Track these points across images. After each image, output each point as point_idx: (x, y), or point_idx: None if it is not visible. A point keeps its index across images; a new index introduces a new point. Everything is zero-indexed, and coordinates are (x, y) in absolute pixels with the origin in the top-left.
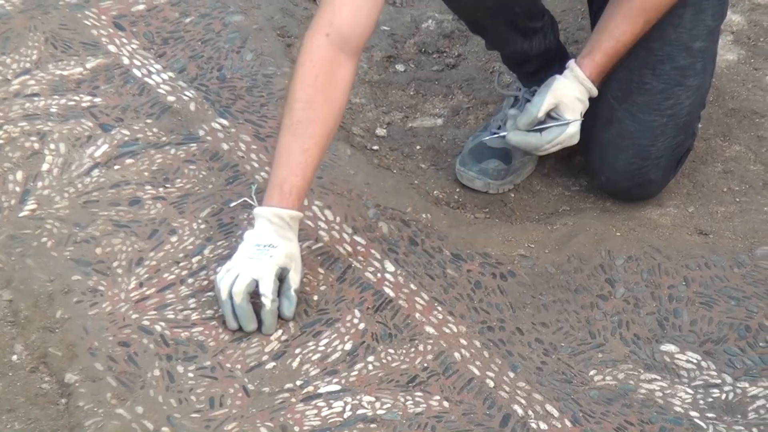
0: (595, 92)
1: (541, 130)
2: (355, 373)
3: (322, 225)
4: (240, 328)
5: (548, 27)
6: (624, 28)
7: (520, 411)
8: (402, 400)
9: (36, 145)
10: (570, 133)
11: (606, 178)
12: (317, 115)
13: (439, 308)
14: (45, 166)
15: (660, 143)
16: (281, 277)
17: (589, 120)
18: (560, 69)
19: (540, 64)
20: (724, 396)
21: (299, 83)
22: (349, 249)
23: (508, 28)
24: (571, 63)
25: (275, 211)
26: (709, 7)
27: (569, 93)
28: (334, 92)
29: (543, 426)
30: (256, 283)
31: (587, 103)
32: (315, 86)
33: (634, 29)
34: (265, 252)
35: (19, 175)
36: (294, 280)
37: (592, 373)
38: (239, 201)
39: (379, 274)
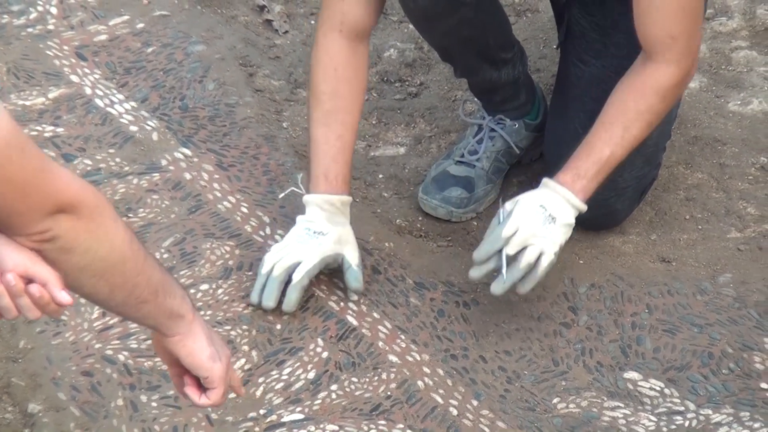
0: (584, 208)
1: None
2: (319, 401)
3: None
4: (258, 305)
5: (518, 58)
6: (619, 133)
7: None
8: (365, 428)
9: None
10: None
11: None
12: (344, 103)
13: (403, 336)
14: None
15: (627, 174)
16: (338, 262)
17: (557, 146)
18: (528, 97)
19: (507, 94)
20: (687, 423)
21: (321, 76)
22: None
23: (479, 58)
24: (554, 185)
25: (325, 197)
26: None
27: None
28: (355, 79)
29: None
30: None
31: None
32: (336, 77)
33: (631, 133)
34: (314, 238)
35: None
36: (352, 258)
37: (555, 400)
38: (287, 191)
39: (342, 303)
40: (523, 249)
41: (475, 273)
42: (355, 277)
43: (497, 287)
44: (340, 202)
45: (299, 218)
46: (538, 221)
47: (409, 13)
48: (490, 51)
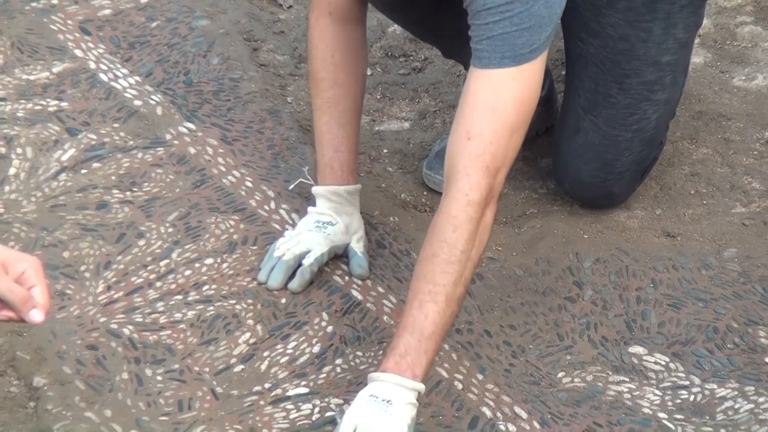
0: (422, 387)
1: None
2: (324, 375)
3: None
4: (264, 284)
5: None
6: (426, 292)
7: (488, 413)
8: None
9: (2, 150)
10: None
11: (570, 187)
12: (344, 90)
13: None
14: (12, 171)
15: (625, 158)
16: (345, 250)
17: (557, 126)
18: None
19: None
20: (692, 397)
21: (319, 64)
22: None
23: (457, 41)
24: (377, 375)
25: (332, 188)
26: (680, 20)
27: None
28: (353, 64)
29: (512, 428)
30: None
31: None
32: (334, 63)
33: (443, 289)
34: (324, 229)
35: None
36: (358, 247)
37: (560, 375)
38: (295, 182)
39: (346, 277)
40: None
41: None
42: (359, 263)
43: None
44: (347, 192)
45: (310, 209)
46: (374, 410)
47: (374, 3)
48: (453, 34)
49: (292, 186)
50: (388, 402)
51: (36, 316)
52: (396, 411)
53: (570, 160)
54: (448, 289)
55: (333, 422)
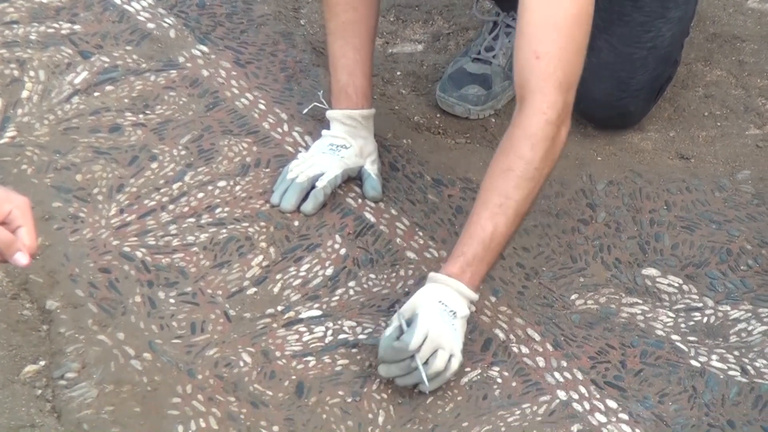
0: (476, 297)
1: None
2: (336, 298)
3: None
4: (277, 206)
5: None
6: (497, 203)
7: (501, 335)
8: (383, 324)
9: (15, 73)
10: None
11: (584, 107)
12: (360, 14)
13: (420, 233)
14: (25, 94)
15: (639, 76)
16: (358, 173)
17: None
18: None
19: None
20: (705, 319)
21: None
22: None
23: None
24: (445, 278)
25: (346, 112)
26: None
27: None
28: None
29: (524, 350)
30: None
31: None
32: None
33: (510, 204)
34: (337, 152)
35: None
36: (371, 169)
37: (573, 297)
38: (310, 106)
39: (360, 200)
40: (435, 353)
41: (383, 371)
42: (373, 186)
43: (402, 382)
44: (361, 116)
45: (324, 132)
46: (445, 321)
47: None
48: None
49: (306, 110)
50: (453, 313)
51: (20, 259)
52: (458, 325)
53: (583, 80)
54: (519, 204)
55: (345, 344)
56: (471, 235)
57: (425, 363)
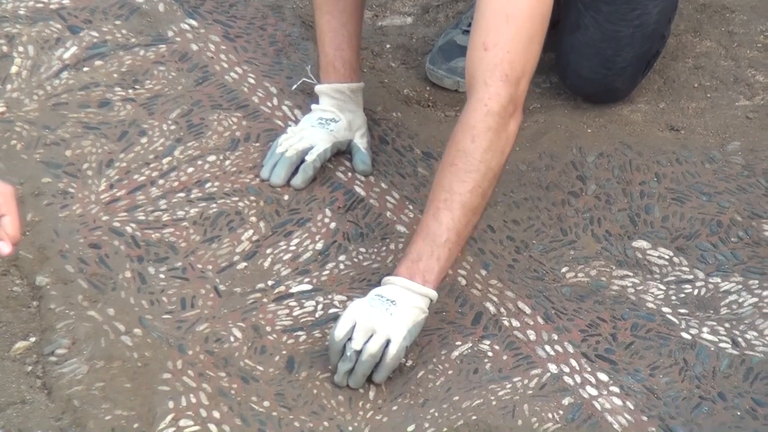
0: (434, 294)
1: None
2: (327, 272)
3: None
4: (267, 180)
5: None
6: (441, 197)
7: (492, 309)
8: None
9: (4, 48)
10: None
11: (571, 83)
12: None
13: (411, 207)
14: (14, 69)
15: (625, 53)
16: (348, 147)
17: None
18: None
19: None
20: (696, 291)
21: None
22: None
23: None
24: (388, 279)
25: (334, 86)
26: None
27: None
28: None
29: (515, 323)
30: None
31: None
32: None
33: (456, 194)
34: (327, 125)
35: None
36: (361, 142)
37: (564, 270)
38: (299, 82)
39: (349, 174)
40: (369, 338)
41: (338, 380)
42: (362, 159)
43: (351, 381)
44: (350, 89)
45: (313, 107)
46: (376, 307)
47: None
48: None
49: (295, 86)
50: (392, 302)
51: (2, 248)
52: (398, 312)
53: (571, 57)
54: (464, 197)
55: (336, 319)
56: (418, 233)
57: (359, 351)
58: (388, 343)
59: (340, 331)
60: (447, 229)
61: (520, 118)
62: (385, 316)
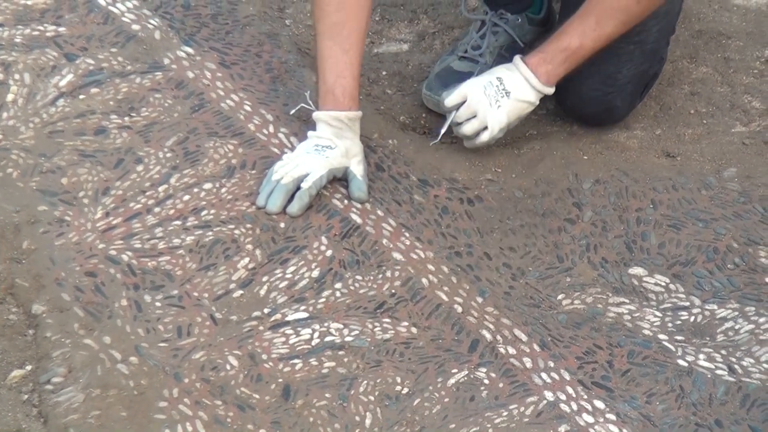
0: (549, 91)
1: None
2: (323, 300)
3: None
4: (263, 208)
5: None
6: (591, 25)
7: (488, 336)
8: (370, 326)
9: (0, 76)
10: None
11: (571, 104)
12: (349, 14)
13: (407, 234)
14: (10, 97)
15: (626, 70)
16: (344, 174)
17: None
18: None
19: None
20: (692, 318)
21: None
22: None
23: None
24: (518, 63)
25: (332, 114)
26: None
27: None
28: None
29: (511, 350)
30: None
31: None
32: None
33: (603, 29)
34: (323, 152)
35: None
36: (357, 170)
37: (560, 297)
38: (297, 107)
39: (346, 201)
40: (470, 119)
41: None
42: (358, 186)
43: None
44: (347, 118)
45: (310, 133)
46: (488, 94)
47: None
48: None
49: (293, 111)
50: (506, 92)
51: None
52: (507, 104)
53: (570, 76)
54: (609, 32)
55: (332, 347)
56: (559, 39)
57: (459, 124)
58: (484, 128)
59: (451, 100)
60: (585, 49)
61: None
62: (493, 107)
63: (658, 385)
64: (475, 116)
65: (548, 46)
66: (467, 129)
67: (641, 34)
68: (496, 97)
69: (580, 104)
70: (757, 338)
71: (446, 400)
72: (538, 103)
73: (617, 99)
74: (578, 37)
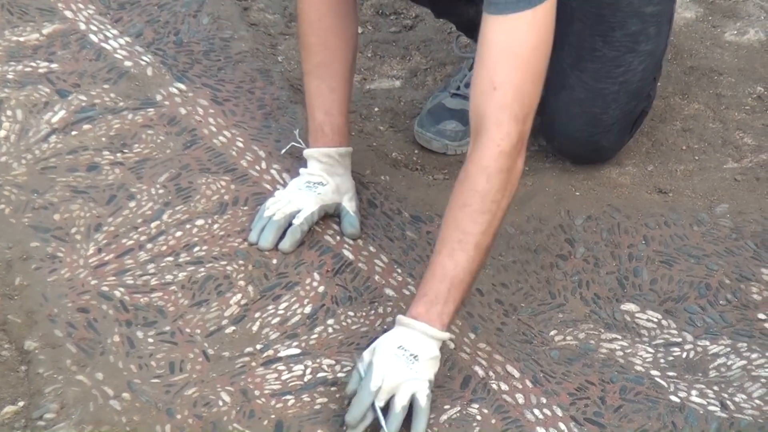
0: (448, 336)
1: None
2: (315, 336)
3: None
4: (255, 244)
5: None
6: (456, 241)
7: (480, 372)
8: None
9: None
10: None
11: (558, 144)
12: (333, 53)
13: (399, 270)
14: (2, 133)
15: (612, 111)
16: (336, 210)
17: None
18: None
19: None
20: (684, 354)
21: (307, 28)
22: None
23: None
24: (408, 321)
25: (323, 150)
26: None
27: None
28: (343, 25)
29: (504, 387)
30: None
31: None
32: (322, 26)
33: (469, 238)
34: (314, 189)
35: None
36: (349, 206)
37: (552, 333)
38: (288, 146)
39: (338, 237)
40: (393, 396)
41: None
42: (351, 223)
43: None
44: (338, 153)
45: (301, 170)
46: (401, 365)
47: None
48: None
49: (284, 150)
50: (415, 357)
51: None
52: (421, 368)
53: (557, 117)
54: (478, 238)
55: (324, 383)
56: (433, 274)
57: (383, 408)
58: (413, 397)
59: (375, 384)
60: (462, 271)
61: (524, 156)
62: (410, 375)
63: (650, 421)
64: (393, 394)
65: (426, 285)
66: (401, 400)
67: (626, 74)
68: (408, 364)
69: (567, 144)
70: (749, 374)
71: None
72: (440, 356)
73: (603, 139)
74: (451, 260)
